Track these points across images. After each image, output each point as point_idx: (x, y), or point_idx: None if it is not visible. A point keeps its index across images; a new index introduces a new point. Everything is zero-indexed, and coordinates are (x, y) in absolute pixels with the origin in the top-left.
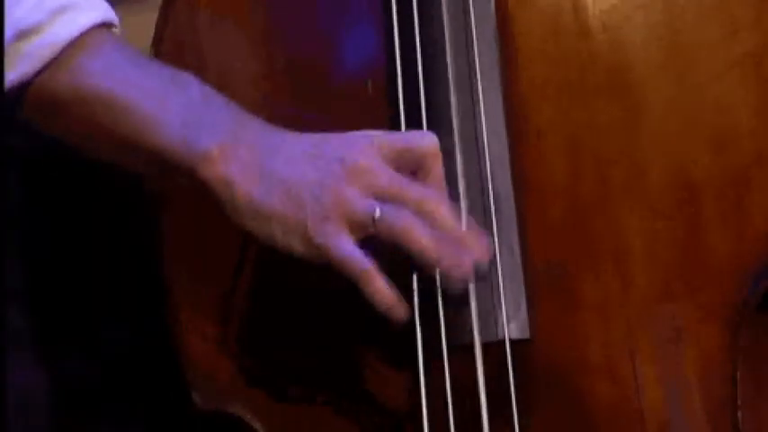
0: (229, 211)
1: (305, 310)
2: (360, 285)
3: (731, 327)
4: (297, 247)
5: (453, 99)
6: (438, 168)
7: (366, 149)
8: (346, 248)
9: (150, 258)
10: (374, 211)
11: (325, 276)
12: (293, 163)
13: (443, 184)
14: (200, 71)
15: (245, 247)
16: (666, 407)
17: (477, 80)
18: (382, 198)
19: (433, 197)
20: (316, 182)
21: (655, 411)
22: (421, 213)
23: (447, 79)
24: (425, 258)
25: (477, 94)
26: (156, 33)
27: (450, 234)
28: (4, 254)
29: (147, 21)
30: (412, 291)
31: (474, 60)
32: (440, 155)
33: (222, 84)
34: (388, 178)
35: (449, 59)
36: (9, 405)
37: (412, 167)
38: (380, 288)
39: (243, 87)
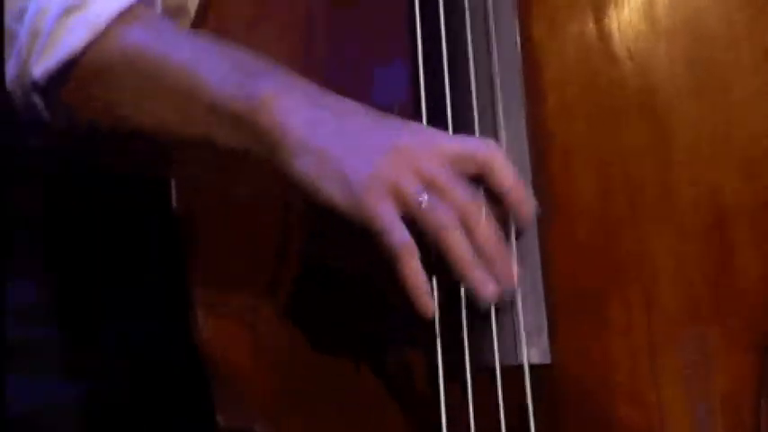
0: (278, 154)
1: (338, 328)
2: (394, 261)
3: (760, 353)
4: (338, 198)
5: (476, 125)
6: (502, 176)
7: (427, 142)
8: (390, 215)
9: (178, 272)
10: (423, 196)
11: (363, 292)
12: (352, 117)
13: (512, 189)
14: None
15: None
16: None
17: (498, 106)
18: (431, 188)
19: (477, 209)
20: (373, 140)
21: None
22: (463, 221)
23: (471, 105)
24: (455, 267)
25: (499, 119)
26: None
27: (485, 251)
28: (4, 261)
29: None
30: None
31: (497, 87)
32: (503, 163)
33: None
34: (441, 172)
35: (473, 88)
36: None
37: (472, 173)
38: (415, 270)
39: None
